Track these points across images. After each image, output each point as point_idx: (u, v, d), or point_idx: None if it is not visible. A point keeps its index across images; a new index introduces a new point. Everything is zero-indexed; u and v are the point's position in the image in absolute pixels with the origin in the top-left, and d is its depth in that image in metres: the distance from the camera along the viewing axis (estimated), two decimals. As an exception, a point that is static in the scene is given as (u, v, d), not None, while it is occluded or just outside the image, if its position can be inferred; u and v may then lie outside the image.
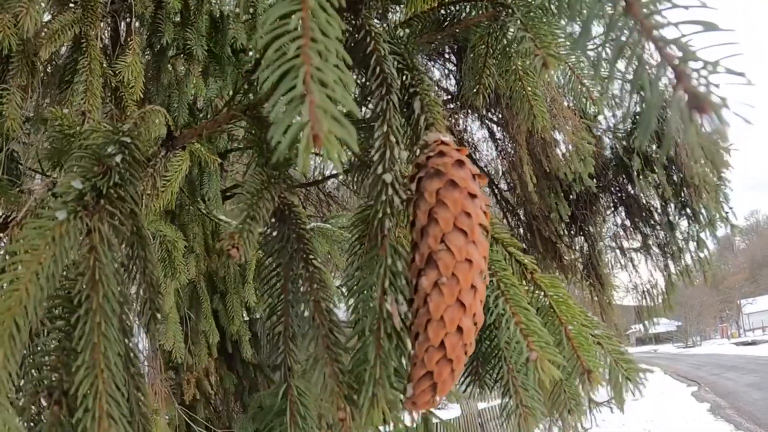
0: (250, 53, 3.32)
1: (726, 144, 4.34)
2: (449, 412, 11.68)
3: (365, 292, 0.93)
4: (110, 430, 0.75)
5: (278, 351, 1.09)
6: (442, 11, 1.36)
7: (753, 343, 65.44)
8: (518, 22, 1.24)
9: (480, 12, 1.34)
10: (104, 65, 2.32)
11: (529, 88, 1.48)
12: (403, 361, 0.89)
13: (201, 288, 3.74)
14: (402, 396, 0.88)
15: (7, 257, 0.80)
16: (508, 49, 1.41)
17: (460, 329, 0.83)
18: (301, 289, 1.08)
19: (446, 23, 1.37)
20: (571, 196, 4.19)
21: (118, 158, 0.97)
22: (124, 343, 0.87)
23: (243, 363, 4.27)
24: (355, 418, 0.88)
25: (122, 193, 0.96)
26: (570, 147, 3.72)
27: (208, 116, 3.30)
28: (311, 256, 1.10)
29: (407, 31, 1.38)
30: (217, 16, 3.18)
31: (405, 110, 1.08)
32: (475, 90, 1.48)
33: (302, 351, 1.07)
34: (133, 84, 2.36)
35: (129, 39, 2.38)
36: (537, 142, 3.76)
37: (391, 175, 0.89)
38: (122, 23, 2.83)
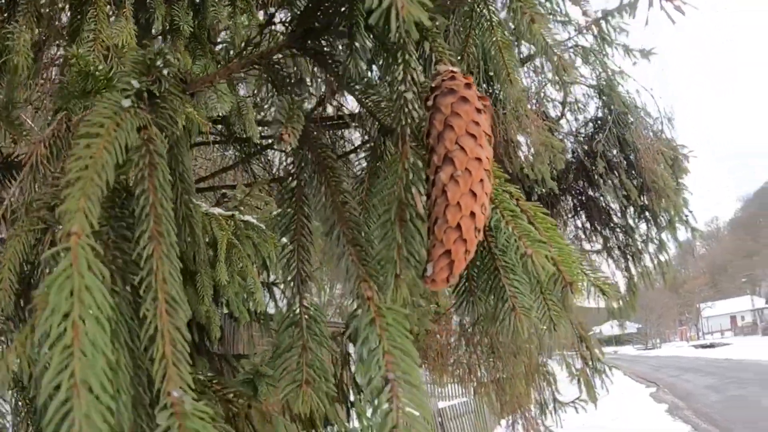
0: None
1: (685, 151, 4.42)
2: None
3: (389, 188, 1.05)
4: (170, 288, 0.83)
5: (290, 268, 1.20)
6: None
7: (711, 345, 66.77)
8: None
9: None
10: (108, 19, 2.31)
11: (508, 58, 1.64)
12: (423, 251, 1.00)
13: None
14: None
15: (82, 131, 0.87)
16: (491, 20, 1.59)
17: (472, 214, 0.99)
18: (323, 194, 1.19)
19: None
20: (533, 198, 4.22)
21: (165, 71, 1.12)
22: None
23: (208, 353, 4.23)
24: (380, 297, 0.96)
25: (168, 102, 1.09)
26: (533, 149, 3.74)
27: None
28: (332, 169, 1.22)
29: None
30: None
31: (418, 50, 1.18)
32: (459, 57, 1.62)
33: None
34: (126, 50, 2.36)
35: (123, 8, 2.36)
36: (500, 144, 3.78)
37: (411, 93, 1.05)
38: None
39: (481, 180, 1.01)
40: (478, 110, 1.04)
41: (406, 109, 1.05)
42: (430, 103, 1.06)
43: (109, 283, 0.75)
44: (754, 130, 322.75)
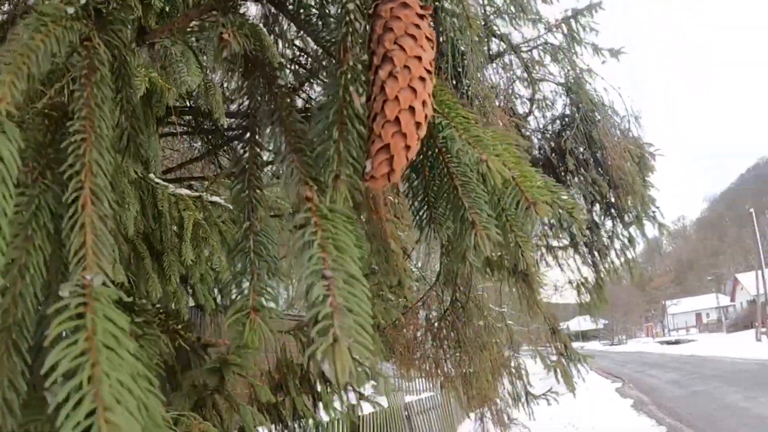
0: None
1: (652, 149, 4.47)
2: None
3: (330, 94, 1.07)
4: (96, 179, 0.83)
5: (242, 197, 1.19)
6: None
7: (676, 342, 67.91)
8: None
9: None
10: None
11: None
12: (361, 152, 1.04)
13: (141, 246, 3.65)
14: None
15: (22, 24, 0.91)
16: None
17: (412, 109, 1.00)
18: (267, 105, 1.21)
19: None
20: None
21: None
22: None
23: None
24: (320, 196, 0.97)
25: (116, 22, 1.08)
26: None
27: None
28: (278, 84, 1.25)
29: None
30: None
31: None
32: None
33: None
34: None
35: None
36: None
37: (353, 4, 1.08)
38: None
39: (422, 77, 1.03)
40: (420, 15, 1.07)
41: (348, 19, 1.08)
42: (371, 11, 1.10)
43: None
44: (729, 130, 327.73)
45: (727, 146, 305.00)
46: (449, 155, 1.23)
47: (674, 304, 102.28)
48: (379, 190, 1.19)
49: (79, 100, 0.90)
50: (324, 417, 4.45)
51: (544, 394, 5.57)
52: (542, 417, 15.35)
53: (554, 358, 4.75)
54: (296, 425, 4.23)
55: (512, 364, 5.68)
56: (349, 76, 1.05)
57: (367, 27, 1.11)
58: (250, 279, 1.08)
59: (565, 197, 1.23)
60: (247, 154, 1.24)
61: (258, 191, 1.21)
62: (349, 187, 1.00)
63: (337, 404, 4.29)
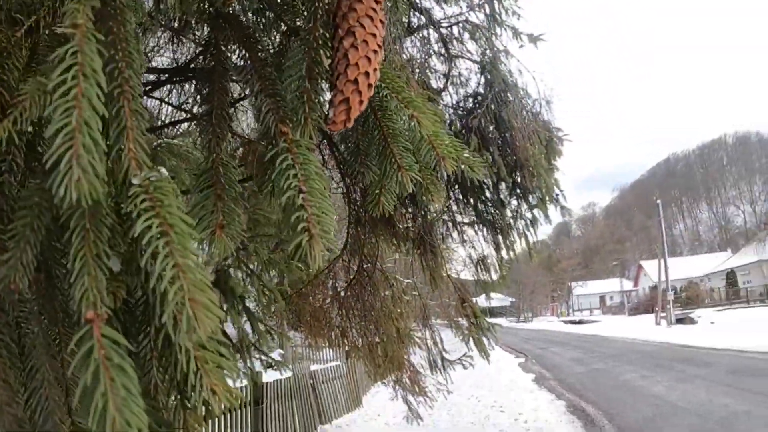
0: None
1: (560, 134, 4.59)
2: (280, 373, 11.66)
3: (301, 53, 1.39)
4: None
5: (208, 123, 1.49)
6: None
7: (580, 322, 70.39)
8: None
9: None
10: None
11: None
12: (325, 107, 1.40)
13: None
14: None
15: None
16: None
17: (367, 73, 1.36)
18: (246, 62, 1.53)
19: None
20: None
21: None
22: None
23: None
24: (292, 133, 1.30)
25: None
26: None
27: None
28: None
29: None
30: None
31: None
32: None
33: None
34: None
35: None
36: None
37: None
38: None
39: (375, 50, 1.38)
40: (377, 1, 1.40)
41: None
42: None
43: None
44: (670, 115, 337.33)
45: (667, 130, 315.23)
46: (381, 113, 1.56)
47: (580, 285, 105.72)
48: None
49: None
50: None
51: (459, 359, 5.70)
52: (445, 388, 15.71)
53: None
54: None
55: (427, 334, 5.76)
56: (320, 41, 1.40)
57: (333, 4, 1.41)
58: (215, 200, 1.30)
59: (467, 155, 1.59)
60: (214, 97, 1.51)
61: (223, 128, 1.47)
62: (314, 126, 1.34)
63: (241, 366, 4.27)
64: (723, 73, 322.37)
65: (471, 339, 4.77)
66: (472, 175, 1.61)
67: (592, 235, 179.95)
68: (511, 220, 4.52)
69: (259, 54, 1.52)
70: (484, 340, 4.88)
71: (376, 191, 1.57)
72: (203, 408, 0.98)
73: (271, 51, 1.63)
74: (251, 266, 4.09)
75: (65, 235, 0.95)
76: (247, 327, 4.39)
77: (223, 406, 0.96)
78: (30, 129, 1.21)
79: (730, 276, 65.07)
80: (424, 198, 1.65)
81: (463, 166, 1.58)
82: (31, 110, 1.12)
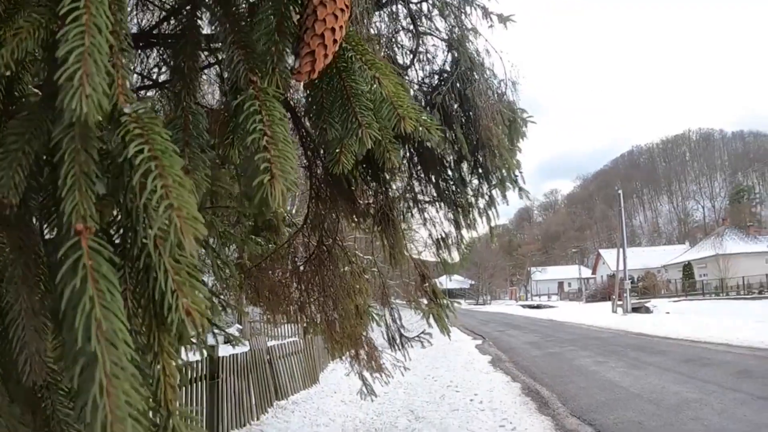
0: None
1: (524, 116, 4.59)
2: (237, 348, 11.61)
3: (272, 8, 1.47)
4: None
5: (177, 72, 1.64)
6: None
7: (538, 307, 71.44)
8: None
9: None
10: None
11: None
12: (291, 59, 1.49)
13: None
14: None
15: None
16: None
17: (333, 29, 1.44)
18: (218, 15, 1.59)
19: None
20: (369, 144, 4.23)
21: None
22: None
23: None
24: (261, 82, 1.37)
25: None
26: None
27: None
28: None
29: None
30: None
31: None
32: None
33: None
34: None
35: None
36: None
37: None
38: None
39: (342, 9, 1.45)
40: None
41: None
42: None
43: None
44: (635, 107, 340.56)
45: (631, 124, 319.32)
46: (345, 74, 1.62)
47: (539, 271, 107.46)
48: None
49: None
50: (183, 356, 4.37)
51: (417, 336, 5.72)
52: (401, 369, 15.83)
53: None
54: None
55: (386, 312, 5.76)
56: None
57: None
58: (182, 146, 1.41)
59: (426, 117, 1.70)
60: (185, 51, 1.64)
61: (193, 79, 1.61)
62: (282, 76, 1.42)
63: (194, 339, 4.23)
64: (690, 70, 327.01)
65: (431, 316, 4.79)
66: (428, 137, 1.71)
67: (553, 222, 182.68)
68: (472, 199, 4.52)
69: (233, 9, 1.57)
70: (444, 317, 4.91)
71: (337, 149, 1.63)
72: (177, 332, 1.02)
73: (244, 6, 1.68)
74: (207, 239, 4.06)
75: (56, 156, 1.02)
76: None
77: (194, 334, 1.04)
78: (8, 73, 1.27)
79: (687, 268, 66.57)
80: (382, 158, 1.73)
81: (420, 129, 1.67)
82: (27, 42, 1.18)
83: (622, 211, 49.88)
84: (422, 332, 5.74)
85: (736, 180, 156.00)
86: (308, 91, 1.73)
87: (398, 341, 5.62)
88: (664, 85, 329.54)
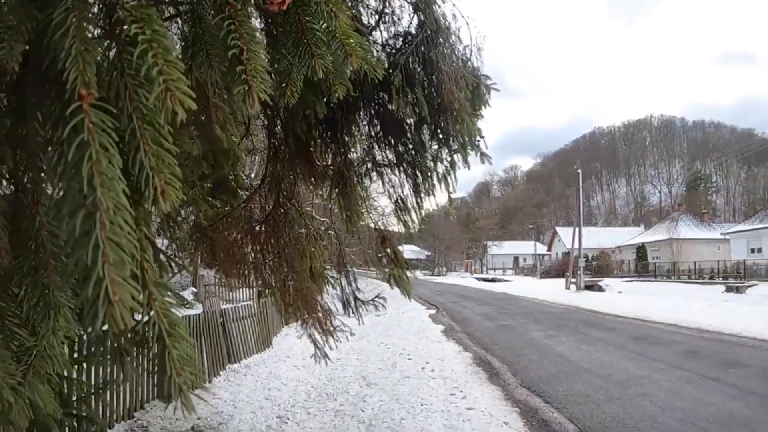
0: None
1: (488, 82, 4.53)
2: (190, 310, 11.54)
3: None
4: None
5: None
6: None
7: (493, 280, 72.46)
8: None
9: None
10: None
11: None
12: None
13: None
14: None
15: None
16: None
17: None
18: None
19: None
20: (332, 102, 4.18)
21: None
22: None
23: None
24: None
25: None
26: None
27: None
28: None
29: None
30: None
31: None
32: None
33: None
34: None
35: None
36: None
37: None
38: None
39: None
40: None
41: None
42: None
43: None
44: (599, 89, 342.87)
45: (594, 105, 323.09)
46: (302, 7, 1.69)
47: (495, 245, 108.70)
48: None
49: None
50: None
51: (372, 300, 5.72)
52: (356, 335, 15.98)
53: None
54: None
55: (342, 277, 5.72)
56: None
57: None
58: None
59: (371, 57, 1.88)
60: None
61: None
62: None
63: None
64: (657, 56, 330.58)
65: (392, 278, 4.79)
66: (372, 75, 1.88)
67: (511, 197, 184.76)
68: (431, 164, 4.48)
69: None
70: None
71: (286, 79, 1.75)
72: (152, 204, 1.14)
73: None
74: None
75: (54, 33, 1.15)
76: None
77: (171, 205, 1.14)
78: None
79: (641, 250, 68.02)
80: (328, 92, 1.87)
81: (366, 66, 1.84)
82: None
83: (580, 190, 50.54)
84: (377, 296, 5.74)
85: (694, 168, 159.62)
86: (267, 21, 1.89)
87: (353, 304, 5.60)
88: (630, 71, 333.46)
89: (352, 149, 4.65)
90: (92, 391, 6.13)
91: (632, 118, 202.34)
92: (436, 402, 9.30)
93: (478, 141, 4.36)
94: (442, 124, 4.21)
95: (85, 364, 6.04)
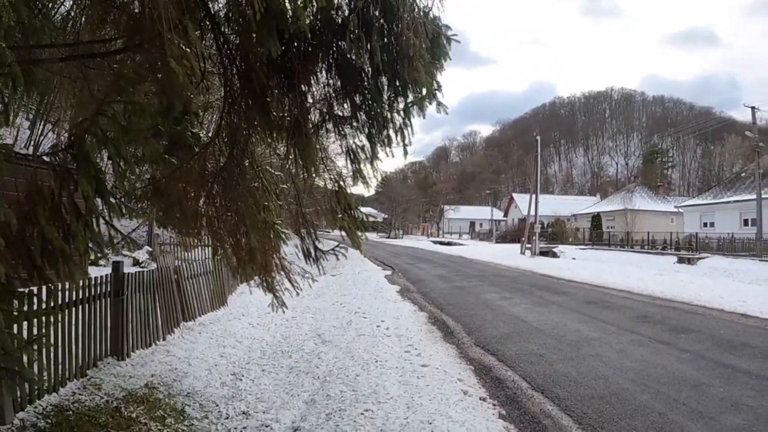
0: None
1: (449, 33, 4.48)
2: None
3: None
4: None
5: None
6: None
7: (449, 243, 73.07)
8: None
9: None
10: None
11: None
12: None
13: None
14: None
15: None
16: None
17: None
18: None
19: None
20: (290, 50, 4.11)
21: None
22: None
23: None
24: None
25: None
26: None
27: None
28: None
29: None
30: None
31: None
32: None
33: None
34: None
35: None
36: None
37: None
38: None
39: None
40: None
41: None
42: None
43: None
44: (561, 59, 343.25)
45: (555, 75, 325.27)
46: None
47: (452, 209, 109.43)
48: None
49: None
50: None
51: (332, 249, 5.70)
52: (311, 295, 15.98)
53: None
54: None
55: (301, 228, 5.65)
56: None
57: None
58: None
59: None
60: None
61: None
62: None
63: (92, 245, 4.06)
64: (620, 29, 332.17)
65: (343, 228, 4.78)
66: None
67: (469, 163, 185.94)
68: (388, 114, 4.44)
69: None
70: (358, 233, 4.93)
71: None
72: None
73: None
74: (109, 134, 3.85)
75: None
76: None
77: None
78: None
79: (596, 219, 69.10)
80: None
81: None
82: None
83: (538, 157, 51.05)
84: (337, 245, 5.74)
85: (652, 141, 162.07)
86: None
87: (313, 254, 5.55)
88: (593, 42, 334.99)
89: (310, 100, 4.58)
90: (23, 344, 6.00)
91: (593, 90, 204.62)
92: (390, 359, 9.40)
93: (435, 90, 4.32)
94: (399, 72, 4.16)
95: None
